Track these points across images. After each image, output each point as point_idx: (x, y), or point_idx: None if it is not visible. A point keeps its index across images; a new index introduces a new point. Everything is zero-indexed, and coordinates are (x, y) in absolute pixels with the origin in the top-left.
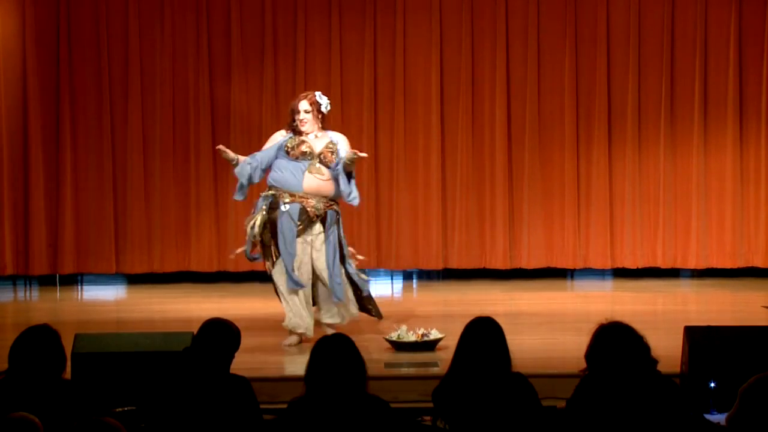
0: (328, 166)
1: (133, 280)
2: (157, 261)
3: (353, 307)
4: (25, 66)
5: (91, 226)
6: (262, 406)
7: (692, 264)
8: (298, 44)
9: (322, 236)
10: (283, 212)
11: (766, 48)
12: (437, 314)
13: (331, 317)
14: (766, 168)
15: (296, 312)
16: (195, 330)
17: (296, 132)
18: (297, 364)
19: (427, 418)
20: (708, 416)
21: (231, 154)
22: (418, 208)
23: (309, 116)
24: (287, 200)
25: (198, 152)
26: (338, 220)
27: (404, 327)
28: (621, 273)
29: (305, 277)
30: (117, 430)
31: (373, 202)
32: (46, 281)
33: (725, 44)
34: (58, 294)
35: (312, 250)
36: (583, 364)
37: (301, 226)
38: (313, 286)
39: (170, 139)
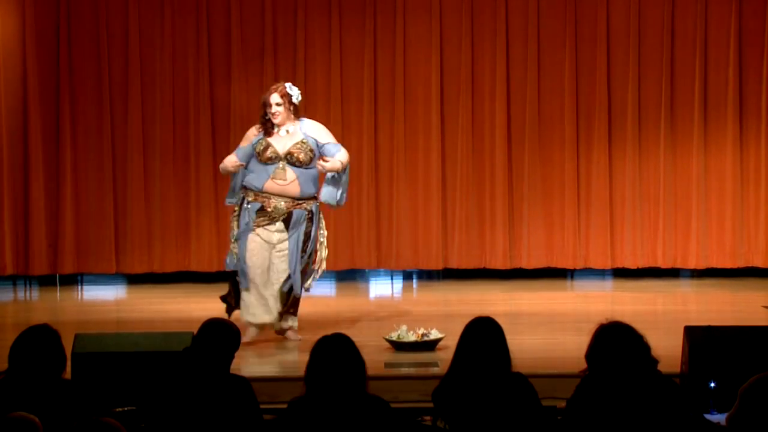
0: (298, 165)
1: (133, 280)
2: (157, 261)
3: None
4: (25, 66)
5: (91, 226)
6: (262, 406)
7: (692, 264)
8: (298, 44)
9: (284, 236)
10: (245, 209)
11: (766, 48)
12: (437, 314)
13: (285, 321)
14: (766, 168)
15: (248, 303)
16: (195, 330)
17: (268, 125)
18: (298, 364)
19: (427, 418)
20: (708, 416)
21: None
22: (418, 208)
23: (281, 108)
24: (250, 198)
25: (198, 152)
26: (311, 218)
27: (404, 327)
28: (621, 273)
29: (257, 264)
30: (117, 430)
31: (373, 202)
32: (46, 281)
33: (725, 44)
34: (58, 294)
35: (273, 251)
36: (583, 364)
37: (255, 222)
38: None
39: (170, 139)
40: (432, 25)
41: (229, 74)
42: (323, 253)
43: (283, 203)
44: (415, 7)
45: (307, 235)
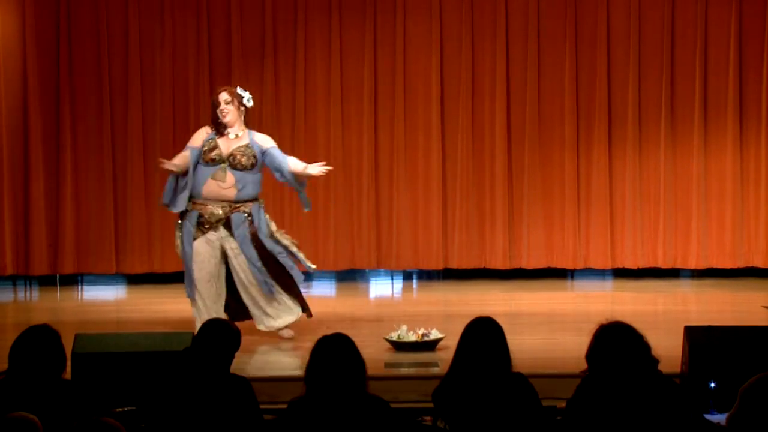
0: (239, 169)
1: (133, 280)
2: (157, 261)
3: (291, 303)
4: (25, 66)
5: (92, 226)
6: (262, 407)
7: (692, 264)
8: (298, 44)
9: (231, 241)
10: (186, 219)
11: (766, 48)
12: (437, 314)
13: (276, 320)
14: (766, 168)
15: (201, 310)
16: (195, 330)
17: (219, 126)
18: (298, 365)
19: (428, 418)
20: (708, 416)
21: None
22: (418, 208)
23: (230, 107)
24: (190, 207)
25: None
26: (251, 221)
27: (404, 327)
28: (621, 273)
29: (205, 278)
30: (117, 431)
31: (373, 202)
32: (47, 281)
33: (725, 44)
34: (58, 294)
35: (230, 258)
36: (583, 365)
37: (196, 231)
38: (238, 296)
39: (170, 139)
40: (432, 24)
41: (229, 74)
42: (284, 240)
43: (219, 209)
44: (415, 6)
45: (254, 235)
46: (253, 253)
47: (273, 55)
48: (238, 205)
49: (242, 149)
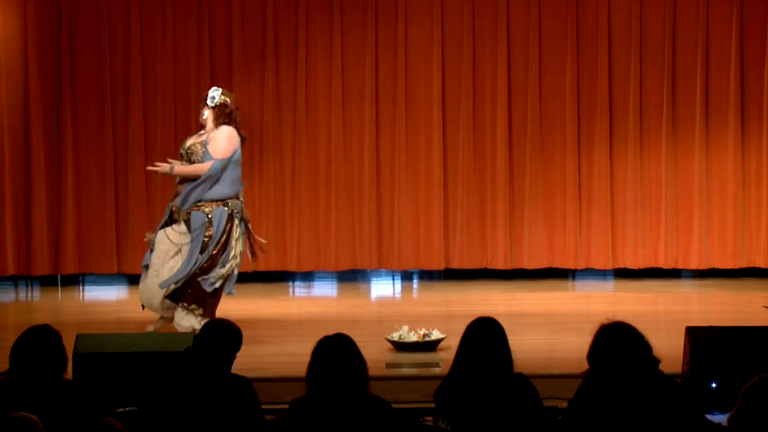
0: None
1: (135, 280)
2: None
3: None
4: (26, 66)
5: (93, 226)
6: (263, 407)
7: (694, 264)
8: (299, 44)
9: (187, 237)
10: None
11: (767, 49)
12: (438, 314)
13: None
14: None
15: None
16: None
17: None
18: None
19: (429, 418)
20: (709, 416)
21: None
22: (420, 208)
23: (203, 110)
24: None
25: None
26: (210, 221)
27: (406, 327)
28: (622, 273)
29: (158, 263)
30: (118, 431)
31: (375, 202)
32: (48, 281)
33: (727, 45)
34: (59, 294)
35: (178, 254)
36: (584, 365)
37: (165, 219)
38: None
39: (171, 139)
40: (433, 25)
41: (230, 74)
42: (230, 253)
43: (181, 203)
44: (417, 7)
45: (209, 237)
46: (194, 255)
47: (274, 56)
48: (200, 203)
49: (197, 146)
